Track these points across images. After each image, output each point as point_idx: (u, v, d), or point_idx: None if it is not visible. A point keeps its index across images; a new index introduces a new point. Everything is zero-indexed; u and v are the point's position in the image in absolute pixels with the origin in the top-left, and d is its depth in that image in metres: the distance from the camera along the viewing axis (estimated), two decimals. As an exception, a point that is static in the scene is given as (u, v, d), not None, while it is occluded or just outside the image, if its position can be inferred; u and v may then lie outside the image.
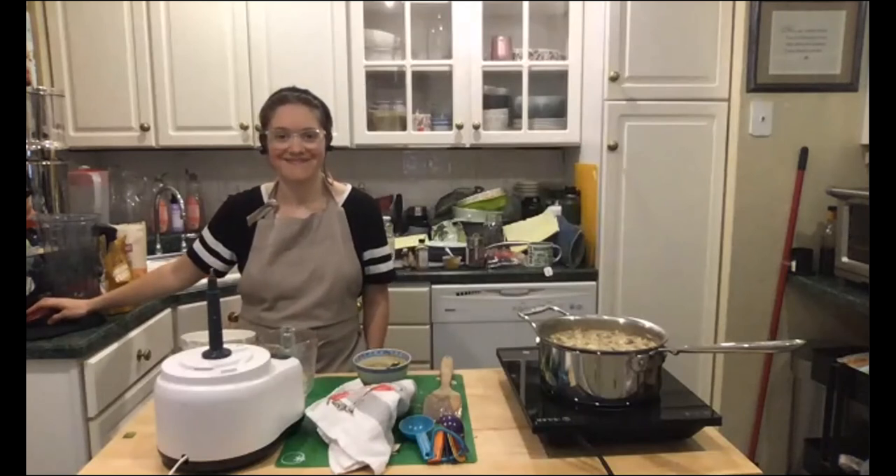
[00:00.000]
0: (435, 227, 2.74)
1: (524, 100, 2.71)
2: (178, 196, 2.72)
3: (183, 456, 0.98)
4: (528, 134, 2.74)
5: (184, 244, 2.75)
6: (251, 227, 1.69)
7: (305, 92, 1.69)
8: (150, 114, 2.61)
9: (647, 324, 1.29)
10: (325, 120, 1.70)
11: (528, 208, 2.87)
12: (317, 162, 1.67)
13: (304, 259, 1.68)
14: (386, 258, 1.81)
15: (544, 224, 2.68)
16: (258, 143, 2.61)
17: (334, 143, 2.61)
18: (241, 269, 1.73)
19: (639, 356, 1.13)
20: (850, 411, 2.11)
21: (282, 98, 1.65)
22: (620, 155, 2.46)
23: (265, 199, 1.73)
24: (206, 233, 1.75)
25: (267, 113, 1.66)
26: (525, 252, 2.60)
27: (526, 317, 1.39)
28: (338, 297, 1.71)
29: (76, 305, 1.67)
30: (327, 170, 1.79)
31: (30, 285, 1.72)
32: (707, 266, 2.52)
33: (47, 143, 2.19)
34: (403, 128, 2.73)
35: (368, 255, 1.76)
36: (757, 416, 2.53)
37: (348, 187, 1.81)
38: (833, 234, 2.31)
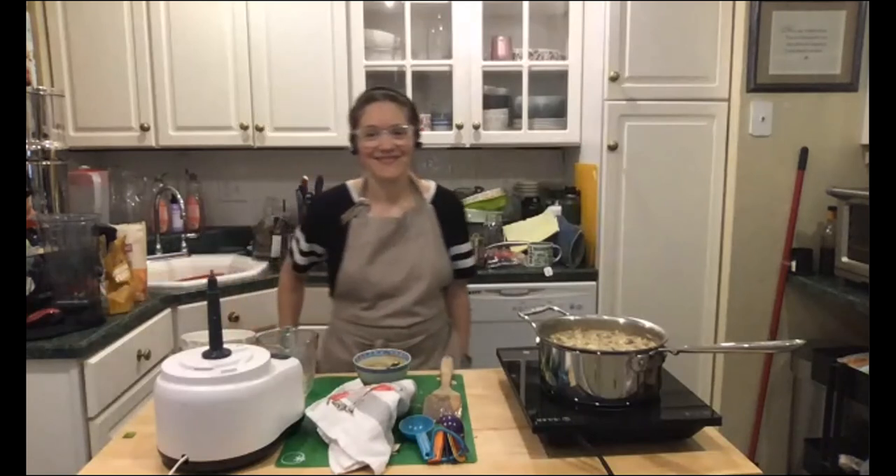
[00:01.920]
0: (435, 227, 2.74)
1: (524, 100, 2.71)
2: (178, 196, 2.72)
3: (183, 456, 0.98)
4: (528, 134, 2.74)
5: (184, 244, 2.75)
6: (343, 226, 1.70)
7: (393, 89, 1.71)
8: (150, 114, 2.61)
9: (647, 324, 1.29)
10: (413, 117, 1.70)
11: (528, 208, 2.87)
12: (407, 159, 1.68)
13: (401, 257, 1.69)
14: (470, 254, 1.85)
15: (544, 224, 2.68)
16: (257, 143, 2.66)
17: (335, 143, 2.67)
18: (330, 268, 1.74)
19: (639, 356, 1.12)
20: (850, 411, 2.11)
21: (370, 96, 1.67)
22: (620, 155, 2.46)
23: (354, 197, 1.74)
24: (301, 238, 1.78)
25: (356, 113, 1.68)
26: (525, 252, 2.60)
27: (526, 317, 1.39)
28: (434, 293, 1.75)
29: None
30: (414, 167, 1.80)
31: (30, 285, 1.72)
32: (707, 266, 2.52)
33: (47, 143, 2.19)
34: (403, 128, 2.72)
35: (454, 250, 1.79)
36: (757, 416, 2.53)
37: (433, 184, 1.82)
38: (833, 234, 2.31)
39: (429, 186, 1.81)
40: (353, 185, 1.77)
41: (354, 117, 1.69)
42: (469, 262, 1.85)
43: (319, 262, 1.81)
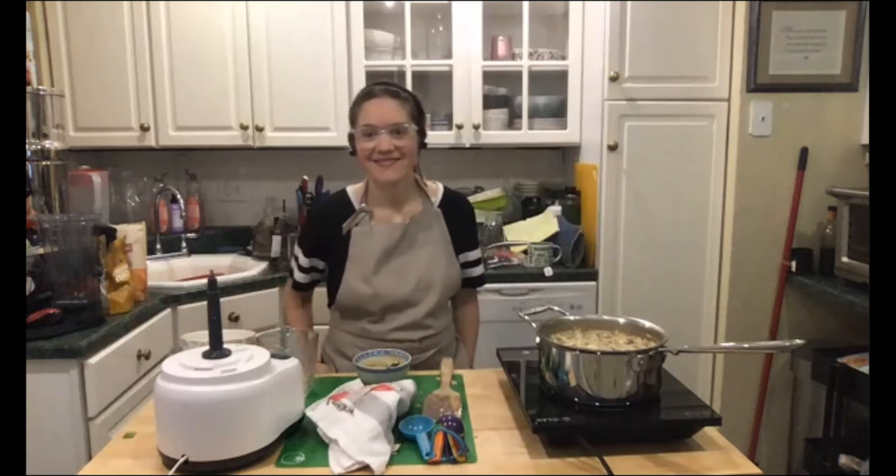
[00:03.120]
0: (435, 227, 2.74)
1: (524, 100, 2.71)
2: (178, 196, 2.72)
3: (183, 456, 0.98)
4: (528, 134, 2.74)
5: (184, 244, 2.75)
6: (345, 236, 1.58)
7: (395, 85, 1.57)
8: (150, 114, 2.61)
9: (647, 324, 1.29)
10: (418, 114, 1.57)
11: (528, 208, 2.87)
12: (408, 161, 1.54)
13: (409, 267, 1.58)
14: (479, 261, 1.75)
15: (544, 224, 2.68)
16: (257, 143, 2.66)
17: (335, 143, 2.67)
18: (331, 280, 1.63)
19: (639, 356, 1.12)
20: (850, 411, 2.10)
21: (368, 92, 1.54)
22: (620, 155, 2.46)
23: (354, 203, 1.62)
24: (300, 254, 1.67)
25: (354, 110, 1.56)
26: (525, 252, 2.60)
27: (526, 317, 1.38)
28: (445, 304, 1.66)
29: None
30: (420, 169, 1.68)
31: (30, 285, 1.72)
32: (707, 266, 2.52)
33: (47, 143, 2.19)
34: (403, 128, 2.72)
35: (463, 258, 1.68)
36: (757, 416, 2.53)
37: (441, 186, 1.70)
38: (833, 234, 2.31)
39: (436, 189, 1.69)
40: (353, 190, 1.65)
41: (353, 115, 1.57)
42: (478, 271, 1.75)
43: (322, 280, 1.70)
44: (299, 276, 1.69)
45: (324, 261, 1.65)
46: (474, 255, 1.73)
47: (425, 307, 1.59)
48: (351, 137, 1.58)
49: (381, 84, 1.57)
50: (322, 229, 1.63)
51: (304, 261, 1.67)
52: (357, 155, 1.56)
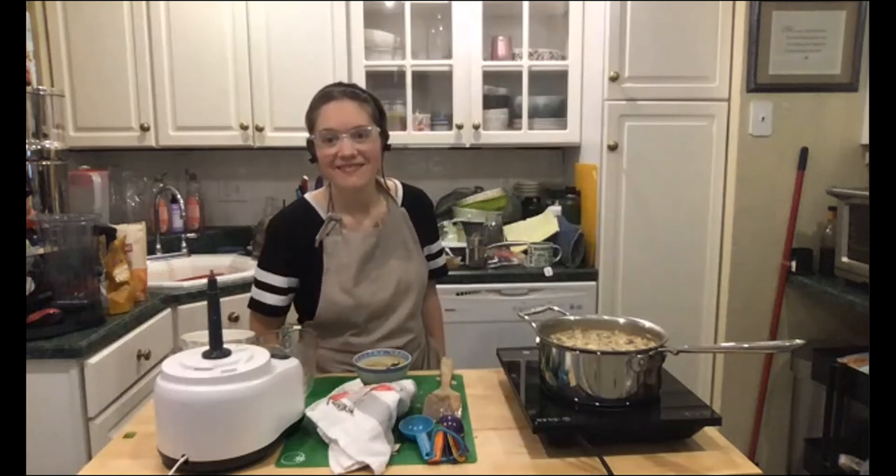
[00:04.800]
0: (435, 227, 2.74)
1: (524, 100, 2.71)
2: (178, 196, 2.72)
3: (183, 456, 0.98)
4: (528, 134, 2.74)
5: (184, 244, 2.75)
6: (317, 248, 1.50)
7: (353, 85, 1.50)
8: (150, 114, 2.61)
9: (647, 324, 1.29)
10: (379, 116, 1.51)
11: (528, 208, 2.87)
12: (373, 166, 1.48)
13: (386, 271, 1.54)
14: (441, 252, 1.74)
15: (544, 224, 2.68)
16: (257, 143, 2.66)
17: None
18: (303, 297, 1.54)
19: (639, 356, 1.13)
20: (850, 411, 2.10)
21: (325, 95, 1.46)
22: (620, 155, 2.46)
23: (320, 212, 1.54)
24: (274, 277, 1.52)
25: (311, 115, 1.48)
26: (525, 252, 2.60)
27: (526, 317, 1.38)
28: (420, 303, 1.63)
29: None
30: (382, 169, 1.59)
31: (30, 285, 1.72)
32: (707, 266, 2.52)
33: (47, 143, 2.19)
34: (403, 128, 2.72)
35: (426, 250, 1.66)
36: (757, 416, 2.53)
37: (398, 183, 1.66)
38: (833, 234, 2.31)
39: (395, 187, 1.64)
40: (313, 198, 1.57)
41: (310, 120, 1.47)
42: (441, 261, 1.74)
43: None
44: (275, 300, 1.54)
45: (297, 277, 1.54)
46: (436, 247, 1.72)
47: (405, 310, 1.56)
48: (310, 143, 1.49)
49: (338, 85, 1.50)
50: (291, 244, 1.52)
51: (280, 281, 1.53)
52: (318, 162, 1.48)
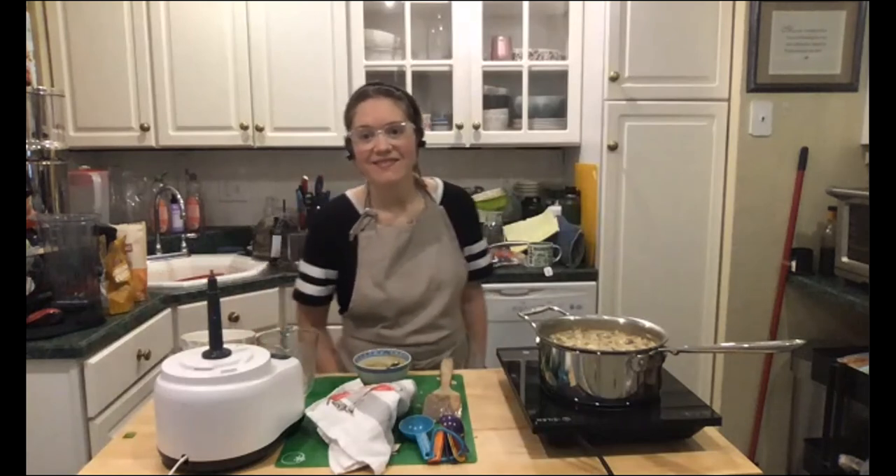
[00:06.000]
0: (435, 227, 2.74)
1: (524, 100, 2.71)
2: (178, 196, 2.72)
3: (183, 456, 0.98)
4: (528, 134, 2.74)
5: (184, 244, 2.76)
6: (352, 242, 1.55)
7: (389, 84, 1.55)
8: (150, 114, 2.61)
9: (647, 324, 1.29)
10: (413, 113, 1.55)
11: (528, 208, 2.87)
12: (407, 161, 1.52)
13: (419, 268, 1.56)
14: (484, 253, 1.73)
15: (544, 224, 2.68)
16: (257, 143, 2.66)
17: (335, 143, 2.66)
18: (341, 288, 1.60)
19: (639, 356, 1.12)
20: (850, 411, 2.11)
21: (362, 93, 1.52)
22: (620, 155, 2.46)
23: (357, 208, 1.59)
24: (313, 269, 1.60)
25: (348, 113, 1.53)
26: (525, 252, 2.60)
27: (526, 317, 1.38)
28: (456, 302, 1.65)
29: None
30: (418, 166, 1.65)
31: (30, 285, 1.72)
32: (707, 266, 2.52)
33: (47, 143, 2.19)
34: (403, 128, 2.72)
35: (468, 251, 1.67)
36: (757, 416, 2.53)
37: (439, 182, 1.69)
38: (833, 234, 2.31)
39: (436, 185, 1.68)
40: (353, 195, 1.63)
41: (348, 118, 1.54)
42: (484, 262, 1.73)
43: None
44: (313, 290, 1.61)
45: (336, 270, 1.60)
46: (479, 246, 1.72)
47: (437, 307, 1.58)
48: (348, 141, 1.55)
49: (374, 84, 1.55)
50: (329, 238, 1.59)
51: (318, 273, 1.60)
52: (355, 158, 1.54)
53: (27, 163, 2.14)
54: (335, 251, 1.58)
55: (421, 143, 1.58)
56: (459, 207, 1.67)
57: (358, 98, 1.52)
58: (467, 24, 2.64)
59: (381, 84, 1.54)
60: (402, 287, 1.55)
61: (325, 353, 1.62)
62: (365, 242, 1.56)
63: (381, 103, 1.49)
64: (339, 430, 1.06)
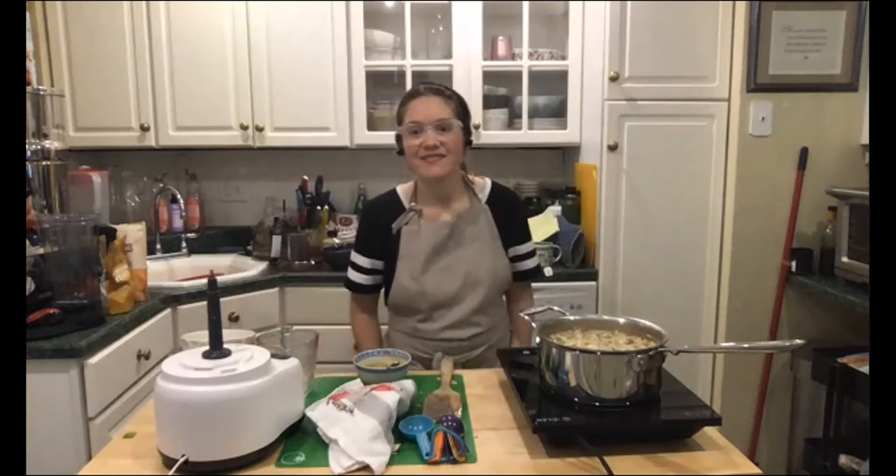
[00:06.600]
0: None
1: (524, 100, 2.71)
2: (178, 196, 2.72)
3: (183, 456, 0.98)
4: (528, 134, 2.74)
5: (184, 244, 2.76)
6: (395, 235, 1.62)
7: (440, 84, 1.62)
8: (150, 114, 2.61)
9: (647, 324, 1.29)
10: (462, 112, 1.61)
11: (528, 208, 2.87)
12: (454, 157, 1.57)
13: (456, 264, 1.60)
14: (531, 254, 1.74)
15: (544, 224, 2.68)
16: (257, 143, 2.66)
17: (334, 143, 2.67)
18: (385, 279, 1.67)
19: (639, 356, 1.12)
20: (850, 411, 2.11)
21: (414, 92, 1.59)
22: (620, 155, 2.46)
23: (404, 202, 1.66)
24: (360, 258, 1.68)
25: (400, 110, 1.60)
26: (525, 252, 2.59)
27: (526, 317, 1.39)
28: (494, 300, 1.67)
29: None
30: (466, 166, 1.71)
31: (30, 285, 1.72)
32: (707, 266, 2.52)
33: (47, 143, 2.20)
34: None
35: (513, 251, 1.69)
36: (757, 416, 2.53)
37: (488, 181, 1.73)
38: (833, 234, 2.31)
39: (483, 184, 1.72)
40: (402, 190, 1.69)
41: (399, 116, 1.60)
42: (531, 263, 1.74)
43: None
44: (358, 277, 1.69)
45: (382, 260, 1.67)
46: (525, 248, 1.73)
47: (472, 304, 1.60)
48: (398, 138, 1.61)
49: (425, 83, 1.61)
50: (374, 229, 1.66)
51: (364, 262, 1.68)
52: (405, 154, 1.59)
53: (27, 163, 2.14)
54: (380, 243, 1.64)
55: (468, 142, 1.63)
56: (505, 207, 1.70)
57: (410, 96, 1.59)
58: (467, 24, 2.64)
59: (431, 83, 1.61)
60: (438, 281, 1.59)
61: (369, 342, 1.70)
62: (407, 236, 1.61)
63: (431, 101, 1.55)
64: (339, 430, 1.06)
